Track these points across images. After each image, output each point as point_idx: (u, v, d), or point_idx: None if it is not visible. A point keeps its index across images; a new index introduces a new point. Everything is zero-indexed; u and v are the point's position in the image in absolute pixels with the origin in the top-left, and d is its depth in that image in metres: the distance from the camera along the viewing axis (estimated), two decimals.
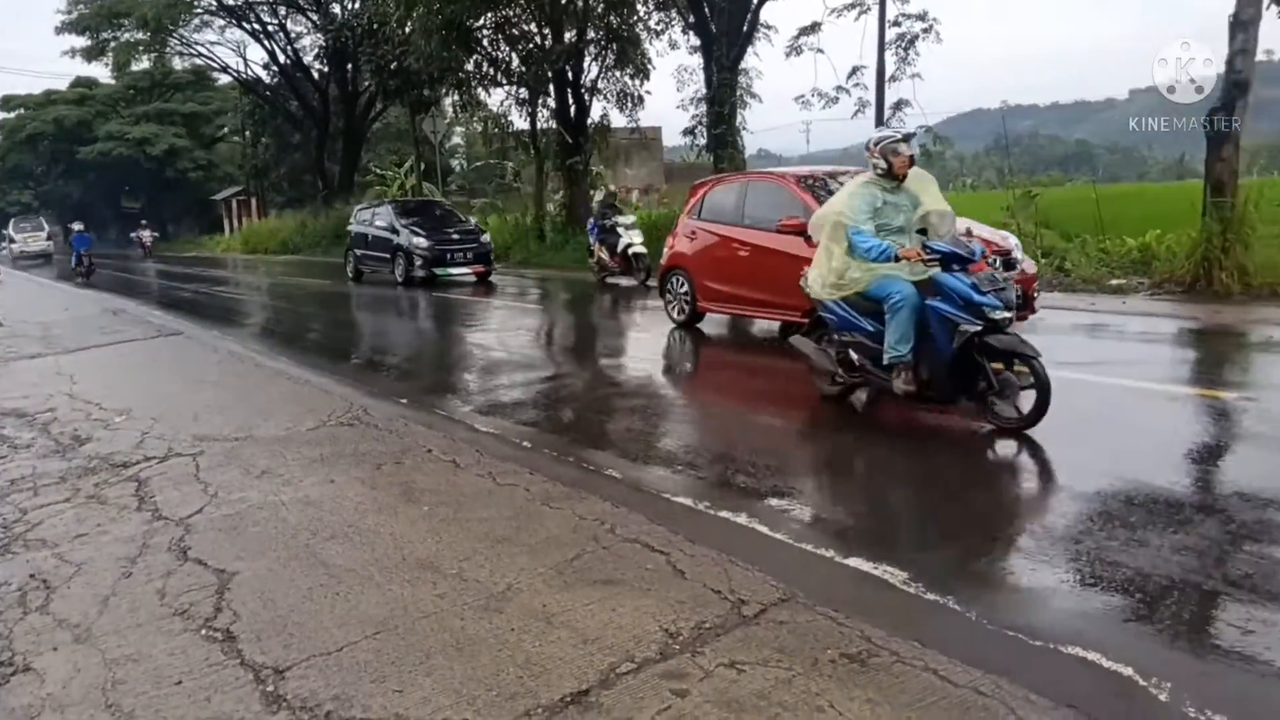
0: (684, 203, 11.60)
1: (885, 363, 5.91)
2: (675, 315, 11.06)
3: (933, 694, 2.78)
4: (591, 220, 18.03)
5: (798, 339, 6.93)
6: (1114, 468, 4.96)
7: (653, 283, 14.03)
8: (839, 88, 19.93)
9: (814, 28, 20.12)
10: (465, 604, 3.55)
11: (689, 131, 21.83)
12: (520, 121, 26.04)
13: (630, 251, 16.36)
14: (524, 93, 24.64)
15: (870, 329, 6.05)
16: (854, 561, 3.86)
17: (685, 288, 10.81)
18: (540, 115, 24.95)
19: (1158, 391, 6.79)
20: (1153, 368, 7.90)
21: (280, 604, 3.62)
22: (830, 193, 9.24)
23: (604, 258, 17.08)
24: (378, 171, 43.28)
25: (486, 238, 19.74)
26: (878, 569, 3.77)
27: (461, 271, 18.70)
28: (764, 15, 20.38)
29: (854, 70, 19.62)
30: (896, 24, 18.98)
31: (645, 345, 10.67)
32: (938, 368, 5.72)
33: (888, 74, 18.07)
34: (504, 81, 24.92)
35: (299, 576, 3.89)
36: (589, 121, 24.34)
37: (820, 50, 20.20)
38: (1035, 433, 5.58)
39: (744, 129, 21.22)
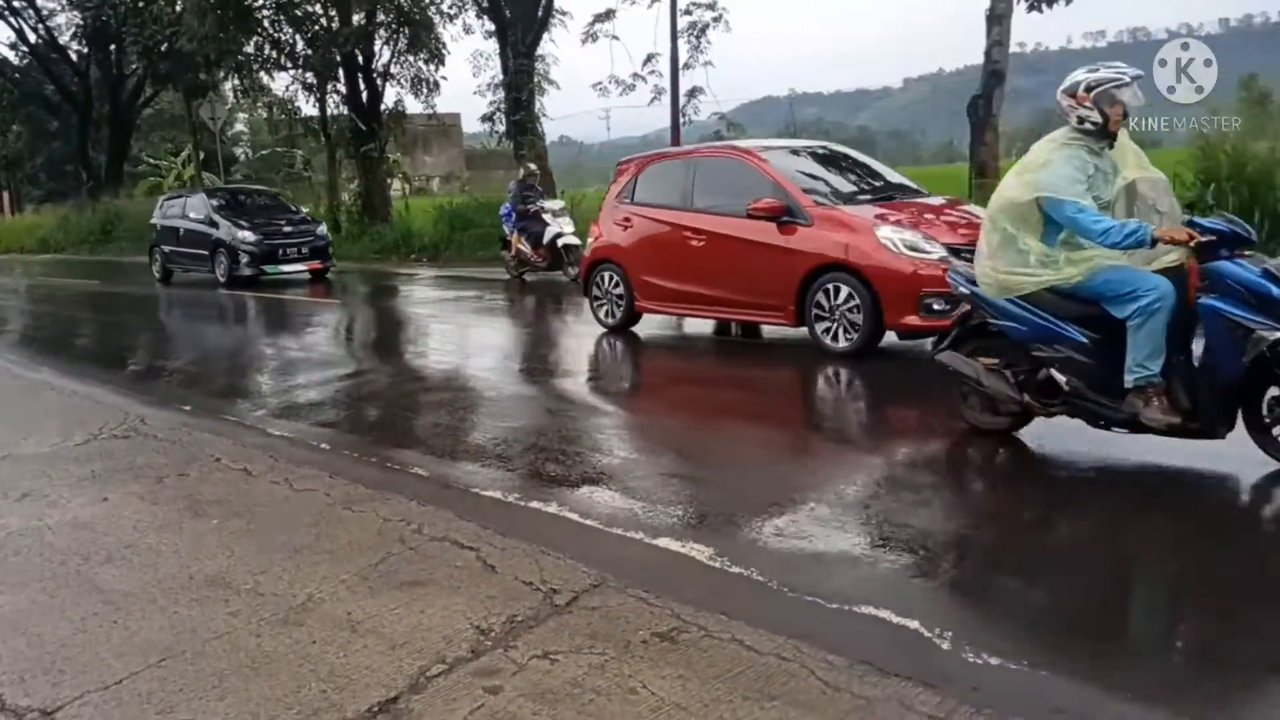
0: (611, 183, 9.75)
1: (1129, 384, 4.32)
2: (606, 318, 9.27)
3: (739, 664, 2.87)
4: (507, 205, 15.21)
5: (950, 355, 5.05)
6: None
7: None
8: (635, 75, 20.26)
9: (609, 15, 20.31)
10: (261, 620, 3.35)
11: (487, 118, 21.55)
12: (309, 107, 24.90)
13: (561, 243, 13.76)
14: (311, 77, 23.53)
15: (1081, 339, 4.51)
16: (663, 542, 3.93)
17: (618, 286, 9.07)
18: (331, 101, 23.90)
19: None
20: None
21: (48, 638, 3.29)
22: (803, 168, 8.20)
23: (524, 250, 14.32)
24: (151, 161, 40.14)
25: (323, 229, 17.87)
26: (685, 547, 3.85)
27: (295, 269, 16.77)
28: (559, 1, 20.35)
29: (649, 57, 20.00)
30: (688, 12, 19.46)
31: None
32: (1212, 390, 4.24)
33: (681, 61, 18.48)
34: (289, 65, 23.71)
35: (70, 606, 3.54)
36: (383, 107, 23.54)
37: (616, 37, 20.42)
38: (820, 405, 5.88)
39: (544, 115, 21.18)
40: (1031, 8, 14.09)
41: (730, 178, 8.18)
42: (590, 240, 9.66)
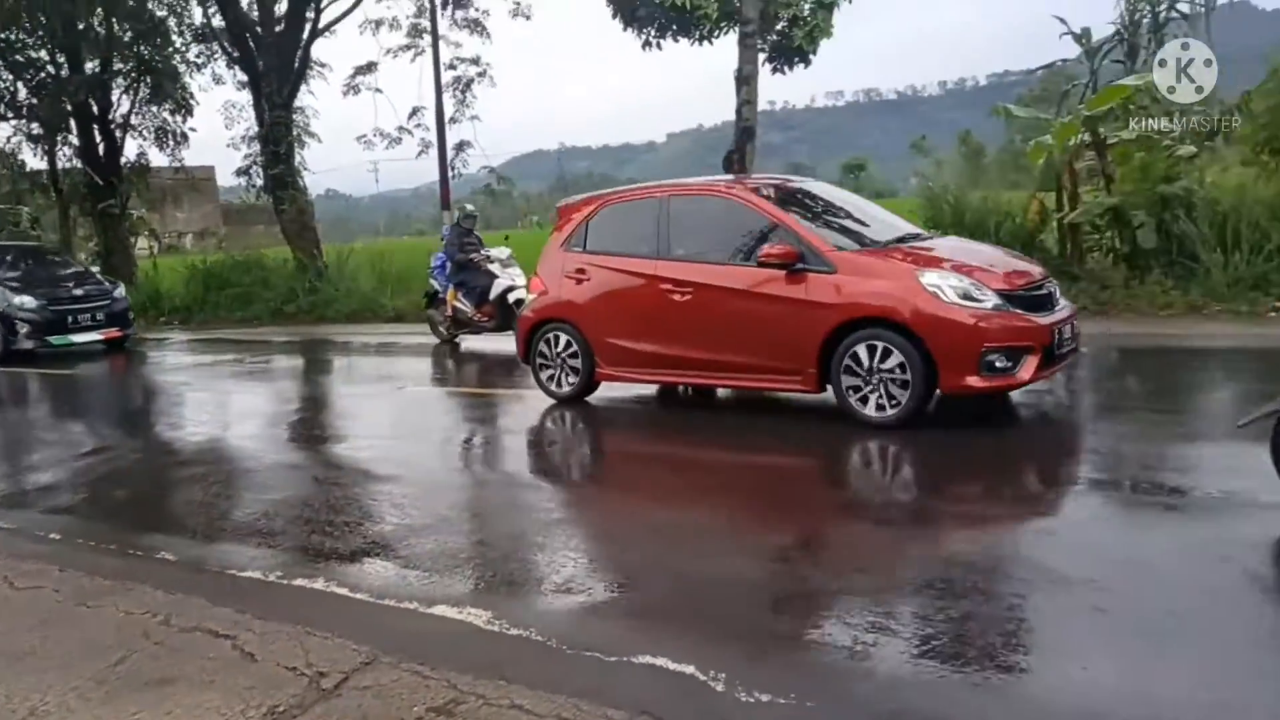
0: (554, 229, 8.30)
1: None
2: (557, 387, 7.89)
3: None
4: (440, 255, 12.95)
5: None
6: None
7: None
8: (401, 128, 19.95)
9: (370, 67, 19.94)
10: None
11: (243, 172, 20.48)
12: (36, 160, 22.75)
13: (513, 298, 11.48)
14: (38, 128, 21.56)
15: None
16: (439, 610, 3.79)
17: (572, 349, 7.73)
18: (62, 153, 22.00)
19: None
20: None
21: None
22: (802, 207, 7.15)
23: (464, 308, 12.10)
24: None
25: (121, 292, 15.37)
26: (462, 613, 3.74)
27: (89, 338, 14.32)
28: (316, 52, 19.76)
29: (414, 111, 19.77)
30: (452, 67, 19.48)
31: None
32: None
33: (447, 115, 18.45)
34: (10, 114, 21.63)
35: None
36: (123, 161, 21.90)
37: (379, 90, 20.11)
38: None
39: (305, 169, 20.37)
40: (775, 70, 15.21)
41: (717, 220, 7.13)
42: (531, 297, 8.22)
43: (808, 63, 15.50)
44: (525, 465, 6.42)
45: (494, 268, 11.97)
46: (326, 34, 19.50)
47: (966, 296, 5.92)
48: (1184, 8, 35.31)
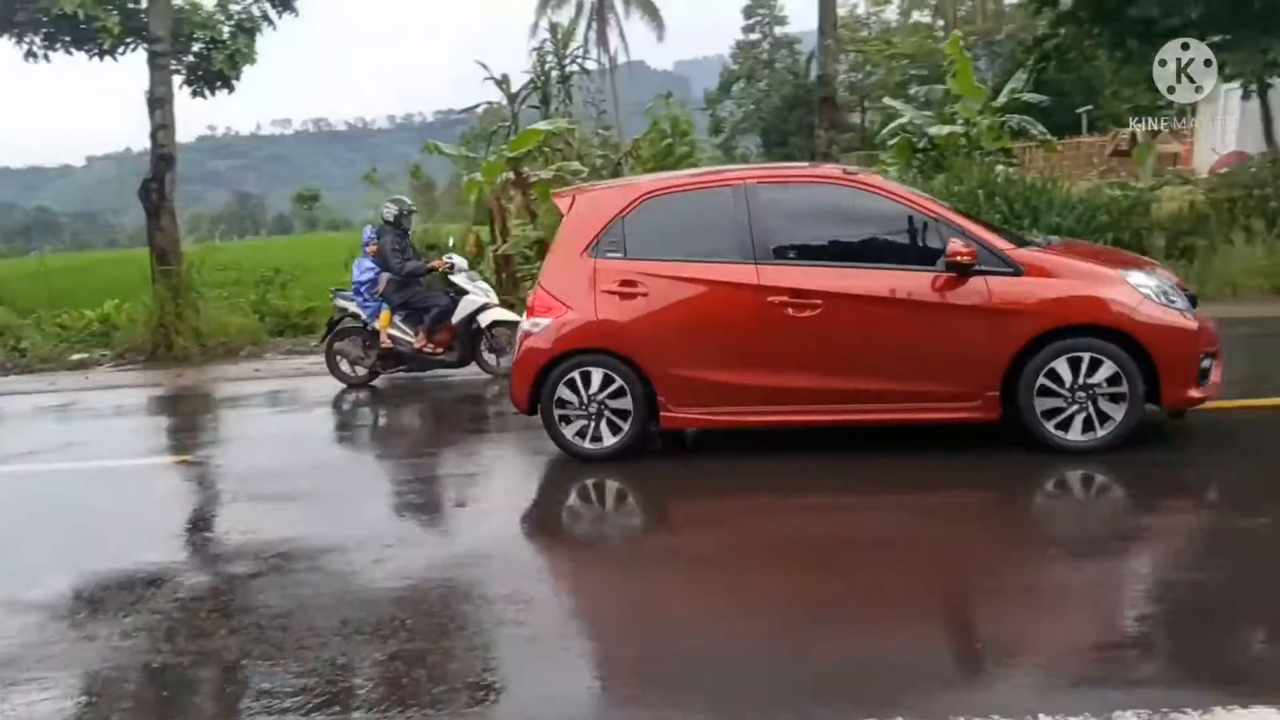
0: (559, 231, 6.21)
1: None
2: (593, 443, 5.85)
3: None
4: (367, 265, 9.13)
5: None
6: (69, 561, 4.68)
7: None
8: None
9: None
10: None
11: None
12: None
13: (487, 321, 8.70)
14: None
15: None
16: None
17: (615, 388, 5.79)
18: None
19: (133, 467, 6.77)
20: (122, 442, 7.82)
21: None
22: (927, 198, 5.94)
23: (403, 336, 8.88)
24: None
25: None
26: None
27: None
28: None
29: None
30: None
31: None
32: None
33: None
34: None
35: None
36: None
37: None
38: None
39: None
40: (196, 93, 14.14)
41: (838, 215, 5.81)
42: (541, 323, 5.92)
43: (231, 88, 14.56)
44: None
45: (460, 279, 9.05)
46: None
47: (1167, 298, 5.37)
48: (590, 65, 40.36)
